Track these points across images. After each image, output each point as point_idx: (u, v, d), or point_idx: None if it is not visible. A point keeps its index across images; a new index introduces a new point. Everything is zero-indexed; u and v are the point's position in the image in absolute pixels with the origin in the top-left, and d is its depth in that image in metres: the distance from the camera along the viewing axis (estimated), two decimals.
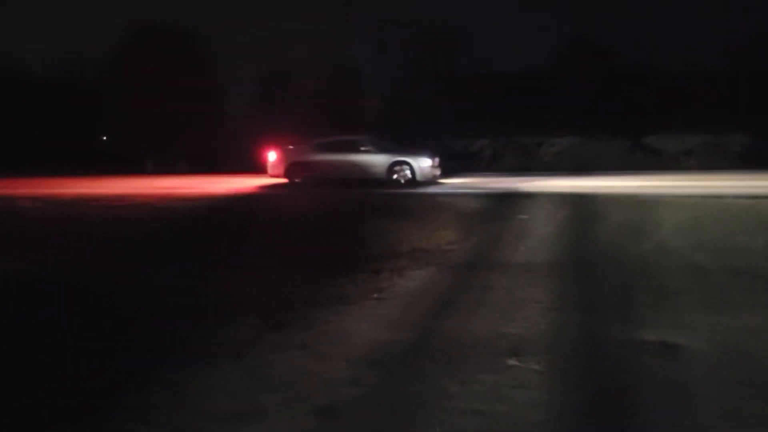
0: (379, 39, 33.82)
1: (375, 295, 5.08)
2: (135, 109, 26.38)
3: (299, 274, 5.90)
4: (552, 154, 22.47)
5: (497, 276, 5.65)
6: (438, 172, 14.64)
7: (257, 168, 16.61)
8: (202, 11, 42.87)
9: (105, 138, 28.84)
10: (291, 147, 15.12)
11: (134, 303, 5.00)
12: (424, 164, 14.15)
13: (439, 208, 10.35)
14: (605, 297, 4.92)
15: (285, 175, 14.73)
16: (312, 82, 29.19)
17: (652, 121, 22.40)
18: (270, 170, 15.07)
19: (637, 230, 7.74)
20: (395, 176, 14.08)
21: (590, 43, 27.79)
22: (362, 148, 14.56)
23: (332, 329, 4.20)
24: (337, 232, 8.39)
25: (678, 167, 19.33)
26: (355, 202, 11.34)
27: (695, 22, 38.56)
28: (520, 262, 6.28)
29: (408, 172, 14.02)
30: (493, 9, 42.63)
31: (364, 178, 14.18)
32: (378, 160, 14.29)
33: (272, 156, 15.02)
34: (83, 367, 3.60)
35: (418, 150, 14.87)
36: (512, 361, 3.51)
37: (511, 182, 14.48)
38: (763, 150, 19.67)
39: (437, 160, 14.60)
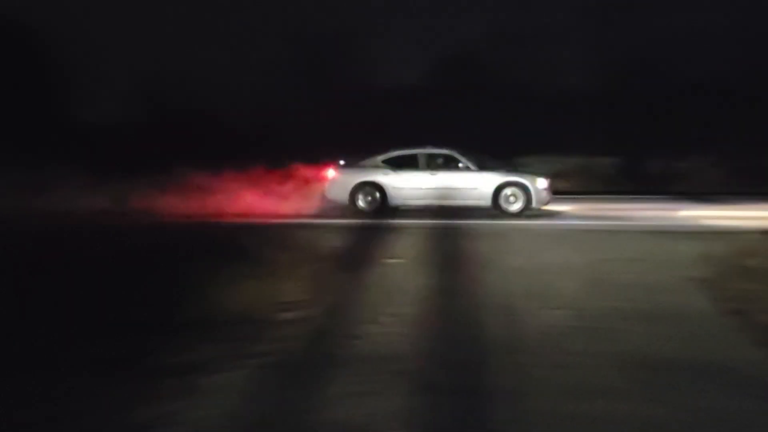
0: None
1: None
2: None
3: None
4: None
5: None
6: (551, 197, 11.01)
7: None
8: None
9: None
10: (360, 163, 11.48)
11: None
12: (541, 186, 10.65)
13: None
14: None
15: (350, 200, 11.14)
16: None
17: None
18: (328, 193, 11.44)
19: None
20: (504, 202, 10.62)
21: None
22: (459, 165, 10.98)
23: None
24: None
25: None
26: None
27: None
28: None
29: (522, 198, 10.57)
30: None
31: (460, 205, 10.71)
32: (480, 181, 10.74)
33: (331, 174, 11.42)
34: None
35: (523, 168, 11.31)
36: None
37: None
38: None
39: (549, 181, 11.02)
